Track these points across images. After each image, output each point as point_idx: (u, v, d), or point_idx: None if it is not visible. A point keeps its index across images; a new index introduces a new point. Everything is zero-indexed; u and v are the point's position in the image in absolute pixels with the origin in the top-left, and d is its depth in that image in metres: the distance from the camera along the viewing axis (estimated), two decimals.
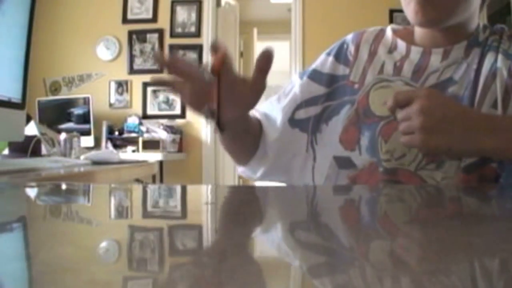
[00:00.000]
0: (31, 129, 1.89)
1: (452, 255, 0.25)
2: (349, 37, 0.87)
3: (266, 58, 0.62)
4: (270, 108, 0.87)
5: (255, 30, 5.80)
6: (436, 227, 0.34)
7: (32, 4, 1.04)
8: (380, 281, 0.20)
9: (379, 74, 0.79)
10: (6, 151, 1.63)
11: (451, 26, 0.76)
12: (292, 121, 0.84)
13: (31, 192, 0.59)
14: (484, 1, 0.79)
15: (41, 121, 3.09)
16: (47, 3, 3.87)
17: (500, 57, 0.73)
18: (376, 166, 0.75)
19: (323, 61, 0.86)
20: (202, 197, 0.55)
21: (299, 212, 0.42)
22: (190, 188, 0.66)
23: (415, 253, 0.26)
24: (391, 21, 3.81)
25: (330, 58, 0.85)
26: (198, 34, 4.00)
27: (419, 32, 0.81)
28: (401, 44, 0.81)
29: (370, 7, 3.81)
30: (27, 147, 1.56)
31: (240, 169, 0.89)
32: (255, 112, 0.87)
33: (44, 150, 1.79)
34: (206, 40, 3.98)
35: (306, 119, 0.83)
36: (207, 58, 3.96)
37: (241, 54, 5.34)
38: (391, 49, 0.82)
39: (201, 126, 3.97)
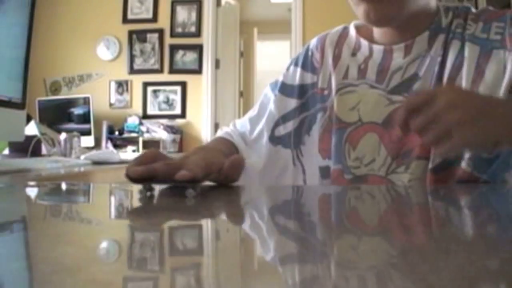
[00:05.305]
0: (31, 129, 1.89)
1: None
2: (313, 43, 0.85)
3: (235, 169, 0.56)
4: (249, 130, 0.86)
5: (255, 30, 5.80)
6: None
7: (32, 4, 1.04)
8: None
9: (344, 78, 0.77)
10: (6, 151, 1.63)
11: (408, 19, 0.71)
12: (273, 138, 0.82)
13: (31, 192, 0.59)
14: None
15: (41, 121, 3.09)
16: (47, 3, 3.86)
17: (467, 45, 0.69)
18: (341, 173, 0.73)
19: (291, 73, 0.85)
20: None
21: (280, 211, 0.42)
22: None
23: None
24: None
25: (298, 69, 0.84)
26: (198, 34, 4.00)
27: (376, 29, 0.78)
28: (364, 44, 0.78)
29: None
30: (27, 147, 1.56)
31: None
32: (232, 134, 0.85)
33: (44, 150, 1.80)
34: (206, 40, 3.98)
35: (287, 135, 0.82)
36: (207, 58, 3.96)
37: (241, 54, 5.35)
38: (355, 50, 0.79)
39: (201, 126, 3.98)
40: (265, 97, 0.87)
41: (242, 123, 0.88)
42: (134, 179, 0.48)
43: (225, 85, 4.21)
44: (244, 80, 5.57)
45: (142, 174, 0.48)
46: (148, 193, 0.48)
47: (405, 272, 0.22)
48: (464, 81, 0.67)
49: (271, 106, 0.84)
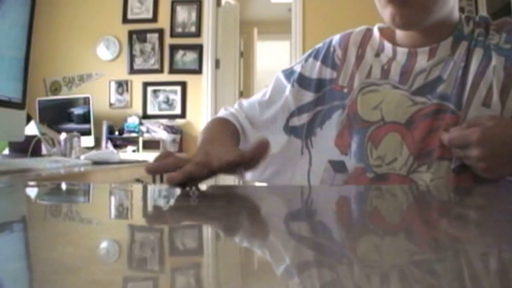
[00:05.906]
0: (31, 129, 1.89)
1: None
2: (336, 40, 0.86)
3: (262, 151, 0.59)
4: (257, 113, 0.87)
5: (255, 30, 5.80)
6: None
7: (32, 4, 1.04)
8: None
9: (367, 78, 0.79)
10: (6, 151, 1.63)
11: (433, 24, 0.74)
12: (287, 128, 0.84)
13: (31, 192, 0.59)
14: None
15: (41, 121, 3.09)
16: (47, 3, 3.86)
17: (493, 54, 0.72)
18: (363, 172, 0.74)
19: (310, 65, 0.85)
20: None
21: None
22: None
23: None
24: None
25: (318, 63, 0.85)
26: (198, 34, 4.00)
27: (400, 32, 0.80)
28: (388, 46, 0.80)
29: (371, 7, 3.76)
30: (27, 147, 1.56)
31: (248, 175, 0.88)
32: (238, 116, 0.86)
33: (44, 150, 1.80)
34: (206, 40, 3.98)
35: (300, 126, 0.83)
36: (207, 58, 3.96)
37: (241, 54, 5.34)
38: (379, 51, 0.81)
39: (201, 126, 3.96)
40: (278, 82, 0.88)
41: (251, 105, 0.89)
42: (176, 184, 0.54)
43: (225, 85, 4.21)
44: (244, 80, 5.58)
45: (181, 180, 0.54)
46: (197, 192, 0.52)
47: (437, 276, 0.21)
48: (494, 89, 0.69)
49: (288, 96, 0.85)
